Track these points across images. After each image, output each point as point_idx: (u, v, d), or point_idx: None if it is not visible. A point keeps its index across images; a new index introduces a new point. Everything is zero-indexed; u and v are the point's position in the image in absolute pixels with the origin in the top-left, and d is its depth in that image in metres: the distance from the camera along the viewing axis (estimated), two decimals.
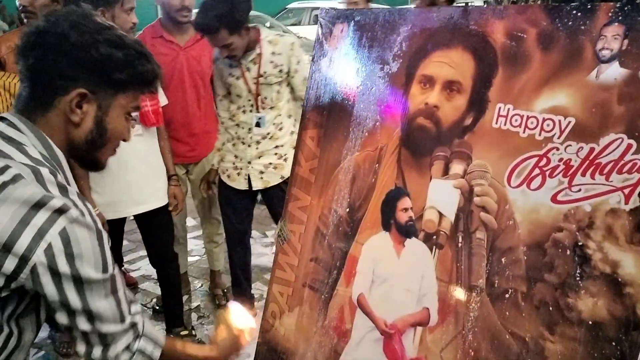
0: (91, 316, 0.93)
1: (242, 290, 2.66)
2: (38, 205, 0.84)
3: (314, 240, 1.56)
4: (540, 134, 1.08)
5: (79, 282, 0.88)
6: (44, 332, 2.61)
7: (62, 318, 0.92)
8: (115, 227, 2.40)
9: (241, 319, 1.34)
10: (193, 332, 2.54)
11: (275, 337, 1.63)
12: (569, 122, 1.04)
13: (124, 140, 1.07)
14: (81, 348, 0.97)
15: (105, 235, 0.92)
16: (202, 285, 2.99)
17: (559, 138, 1.05)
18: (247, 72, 2.22)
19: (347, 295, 1.44)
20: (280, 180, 2.40)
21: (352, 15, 1.51)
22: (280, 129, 2.34)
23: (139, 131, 2.16)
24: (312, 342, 1.51)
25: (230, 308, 1.37)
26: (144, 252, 2.91)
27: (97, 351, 0.97)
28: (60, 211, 0.85)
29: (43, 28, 0.94)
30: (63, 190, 0.89)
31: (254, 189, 2.40)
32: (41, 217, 0.84)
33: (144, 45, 1.03)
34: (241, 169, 2.37)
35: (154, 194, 2.27)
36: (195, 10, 2.27)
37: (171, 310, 2.51)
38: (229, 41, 2.11)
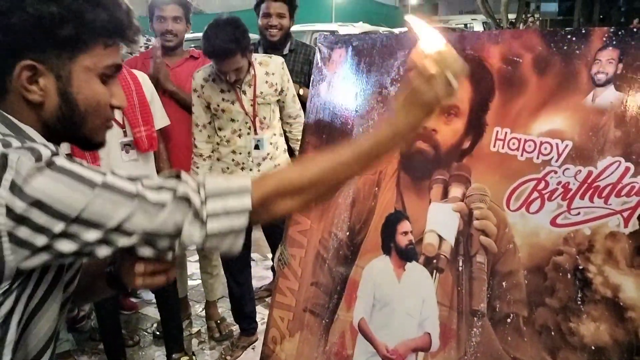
0: (123, 231, 0.76)
1: (245, 316, 2.63)
2: None
3: (314, 264, 1.55)
4: (538, 157, 1.09)
5: (74, 219, 0.73)
6: None
7: (102, 252, 0.77)
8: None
9: (429, 40, 0.85)
10: (194, 358, 2.51)
11: None
12: (567, 145, 1.04)
13: (117, 107, 0.89)
14: (152, 253, 0.80)
15: (65, 159, 0.76)
16: (202, 310, 2.96)
17: (556, 161, 1.06)
18: (243, 95, 2.24)
19: (348, 320, 1.43)
20: None
21: (350, 40, 1.52)
22: (277, 148, 2.35)
23: (134, 156, 2.16)
24: None
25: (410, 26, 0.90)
26: None
27: (176, 245, 0.79)
28: (4, 168, 0.71)
29: None
30: (4, 143, 0.74)
31: None
32: None
33: None
34: None
35: None
36: (190, 35, 2.29)
37: (171, 335, 2.49)
38: (240, 64, 2.14)
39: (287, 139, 2.47)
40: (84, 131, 0.86)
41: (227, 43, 2.06)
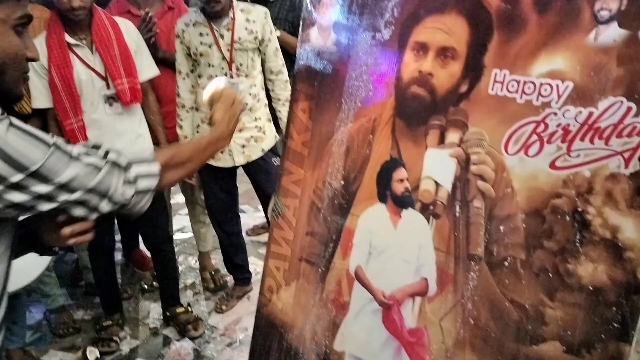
0: (68, 187, 0.87)
1: (237, 266, 2.65)
2: None
3: (309, 214, 1.54)
4: (537, 100, 1.06)
5: (32, 173, 0.82)
6: (39, 313, 2.61)
7: (46, 207, 0.87)
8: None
9: (219, 88, 1.36)
10: (189, 309, 2.54)
11: (273, 311, 1.62)
12: (567, 86, 1.02)
13: (31, 59, 0.93)
14: (84, 213, 0.93)
15: (21, 122, 0.84)
16: (196, 262, 2.98)
17: (556, 103, 1.03)
18: (220, 39, 2.17)
19: (344, 267, 1.43)
20: (262, 154, 2.37)
21: None
22: (258, 101, 2.31)
23: (118, 109, 2.09)
24: (310, 316, 1.51)
25: (206, 91, 1.37)
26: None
27: (103, 205, 0.94)
28: None
29: None
30: None
31: (236, 164, 2.37)
32: None
33: None
34: None
35: None
36: None
37: (167, 289, 2.50)
38: None
39: (270, 100, 2.42)
40: (3, 85, 0.89)
41: None
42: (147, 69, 2.18)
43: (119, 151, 0.98)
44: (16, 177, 0.80)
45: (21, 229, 1.01)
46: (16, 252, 0.99)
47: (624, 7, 0.96)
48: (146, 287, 2.82)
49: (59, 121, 2.07)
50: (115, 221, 2.63)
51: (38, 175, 0.83)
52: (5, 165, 0.79)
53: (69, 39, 2.00)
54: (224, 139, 1.29)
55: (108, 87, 2.06)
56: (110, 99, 2.07)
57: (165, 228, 2.44)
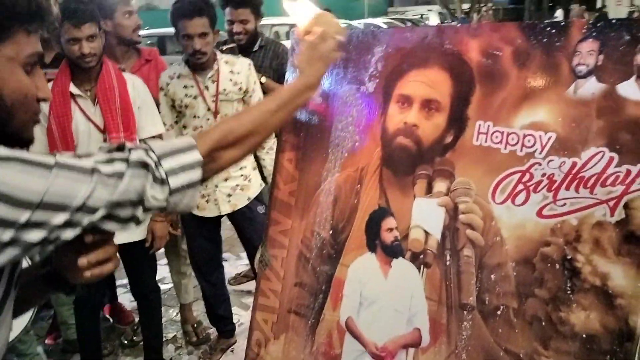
0: (87, 207, 0.75)
1: (220, 318, 2.60)
2: None
3: (297, 264, 1.53)
4: (521, 150, 1.09)
5: (37, 204, 0.71)
6: None
7: (68, 234, 0.75)
8: None
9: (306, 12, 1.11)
10: None
11: None
12: (550, 137, 1.06)
13: (42, 99, 0.85)
14: (118, 227, 0.81)
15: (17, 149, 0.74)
16: (177, 314, 2.91)
17: (540, 153, 1.07)
18: (205, 90, 2.21)
19: (335, 319, 1.41)
20: (247, 202, 2.37)
21: None
22: None
23: None
24: None
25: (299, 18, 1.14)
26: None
27: (139, 213, 0.81)
28: None
29: None
30: None
31: (222, 213, 2.36)
32: None
33: None
34: (209, 195, 2.33)
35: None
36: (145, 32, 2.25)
37: (150, 343, 2.43)
38: (207, 32, 2.12)
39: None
40: (12, 127, 0.81)
41: (196, 3, 2.07)
42: (150, 125, 2.18)
43: (148, 146, 0.84)
44: (24, 216, 0.69)
45: (43, 268, 0.93)
46: (41, 293, 0.91)
47: (600, 63, 1.01)
48: (126, 342, 2.73)
49: None
50: None
51: (47, 206, 0.71)
52: (6, 206, 0.68)
53: (73, 89, 2.02)
54: (310, 89, 1.08)
55: (105, 140, 2.06)
56: None
57: (153, 276, 2.40)
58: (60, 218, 0.73)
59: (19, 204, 0.69)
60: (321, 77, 1.12)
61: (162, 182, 0.82)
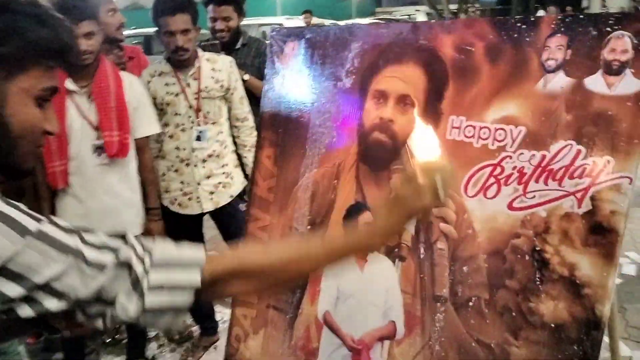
0: (53, 290, 0.69)
1: (203, 315, 2.59)
2: None
3: None
4: (493, 144, 1.11)
5: (2, 270, 0.66)
6: None
7: (27, 312, 0.69)
8: None
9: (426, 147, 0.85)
10: None
11: None
12: (520, 131, 1.07)
13: (48, 133, 0.82)
14: (84, 320, 0.72)
15: (2, 200, 0.71)
16: None
17: (511, 147, 1.08)
18: (187, 88, 2.21)
19: (313, 313, 1.42)
20: (230, 199, 2.37)
21: (302, 33, 1.51)
22: (225, 147, 2.33)
23: (105, 160, 2.07)
24: None
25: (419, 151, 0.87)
26: None
27: (108, 317, 0.72)
28: None
29: None
30: None
31: (204, 211, 2.36)
32: None
33: (43, 7, 0.80)
34: (191, 192, 2.32)
35: (118, 225, 2.18)
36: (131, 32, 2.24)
37: (134, 341, 2.43)
38: (190, 28, 2.12)
39: (237, 149, 2.44)
40: (13, 158, 0.79)
41: None
42: (146, 125, 2.16)
43: (150, 247, 0.76)
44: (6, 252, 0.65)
45: None
46: (21, 331, 0.85)
47: (569, 57, 1.03)
48: (109, 340, 2.71)
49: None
50: None
51: (6, 272, 0.66)
52: None
53: (69, 84, 2.00)
54: (380, 239, 0.87)
55: (98, 137, 2.05)
56: (98, 149, 2.05)
57: None
58: (14, 290, 0.67)
59: None
60: (396, 232, 0.92)
61: (140, 295, 0.73)
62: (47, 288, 0.68)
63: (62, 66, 0.81)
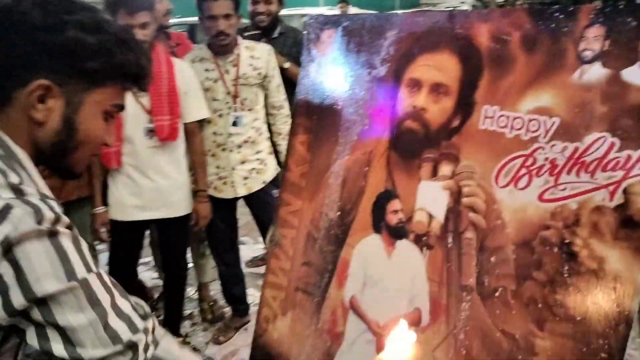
0: (66, 337, 0.73)
1: (235, 297, 2.66)
2: None
3: (305, 244, 1.56)
4: (526, 134, 1.10)
5: (35, 298, 0.71)
6: None
7: (33, 341, 0.74)
8: (133, 233, 2.38)
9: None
10: (187, 340, 2.54)
11: (269, 341, 1.63)
12: (554, 122, 1.06)
13: (106, 145, 0.90)
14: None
15: (71, 236, 0.75)
16: (195, 293, 2.98)
17: (544, 138, 1.07)
18: (225, 74, 2.25)
19: (340, 297, 1.44)
20: (262, 186, 2.42)
21: (339, 20, 1.52)
22: (260, 134, 2.37)
23: (156, 144, 2.16)
24: (305, 345, 1.52)
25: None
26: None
27: None
28: (1, 213, 0.69)
29: (5, 6, 0.78)
30: (16, 190, 0.73)
31: (238, 195, 2.41)
32: None
33: (131, 32, 0.88)
34: (226, 177, 2.38)
35: (168, 205, 2.26)
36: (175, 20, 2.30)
37: (169, 318, 2.52)
38: (231, 13, 2.16)
39: (272, 136, 2.48)
40: (69, 160, 0.86)
41: None
42: (195, 110, 2.24)
43: (157, 336, 0.83)
44: (18, 302, 0.70)
45: None
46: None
47: (607, 48, 1.01)
48: None
49: None
50: None
51: (42, 305, 0.71)
52: (15, 280, 0.69)
53: None
54: None
55: (150, 121, 2.13)
56: (150, 132, 2.14)
57: (185, 254, 2.51)
58: (37, 315, 0.72)
59: (24, 288, 0.70)
60: None
61: None
62: (61, 331, 0.73)
63: (135, 89, 0.89)
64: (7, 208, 0.69)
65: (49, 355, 0.75)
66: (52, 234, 0.72)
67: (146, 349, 0.81)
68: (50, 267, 0.71)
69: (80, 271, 0.74)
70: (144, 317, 0.83)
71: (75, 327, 0.73)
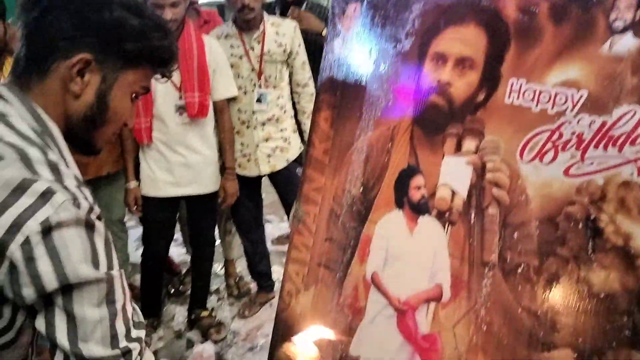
0: (74, 328, 0.75)
1: (260, 273, 2.69)
2: (19, 189, 0.69)
3: (328, 220, 1.57)
4: (552, 108, 1.07)
5: (64, 282, 0.73)
6: None
7: (41, 325, 0.76)
8: (165, 209, 2.41)
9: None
10: (213, 314, 2.59)
11: (292, 315, 1.65)
12: (582, 95, 1.03)
13: (126, 125, 0.93)
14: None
15: (102, 231, 0.77)
16: (221, 269, 3.04)
17: (571, 111, 1.04)
18: (250, 51, 2.25)
19: (361, 273, 1.45)
20: (286, 164, 2.43)
21: None
22: (285, 112, 2.37)
23: (186, 120, 2.19)
24: (327, 320, 1.53)
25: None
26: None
27: None
28: (44, 196, 0.70)
29: None
30: (54, 170, 0.75)
31: (262, 173, 2.43)
32: (21, 203, 0.69)
33: (166, 20, 0.94)
34: (250, 154, 2.39)
35: (198, 181, 2.30)
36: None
37: (196, 293, 2.58)
38: None
39: (296, 115, 2.48)
40: (95, 134, 0.89)
41: None
42: (224, 88, 2.26)
43: (144, 345, 0.84)
44: (52, 286, 0.72)
45: None
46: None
47: (639, 18, 0.97)
48: (172, 291, 2.89)
49: None
50: None
51: (68, 291, 0.74)
52: (51, 265, 0.71)
53: None
54: None
55: (181, 97, 2.16)
56: (180, 109, 2.17)
57: (213, 229, 2.55)
58: (59, 302, 0.74)
59: (59, 273, 0.72)
60: None
61: None
62: (72, 321, 0.75)
63: (162, 72, 0.94)
64: (50, 192, 0.71)
65: (53, 343, 0.77)
66: (88, 225, 0.74)
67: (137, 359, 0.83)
68: (83, 255, 0.73)
69: (107, 266, 0.77)
70: (138, 326, 0.85)
71: (87, 319, 0.75)
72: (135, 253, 2.81)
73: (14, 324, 0.78)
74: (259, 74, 2.26)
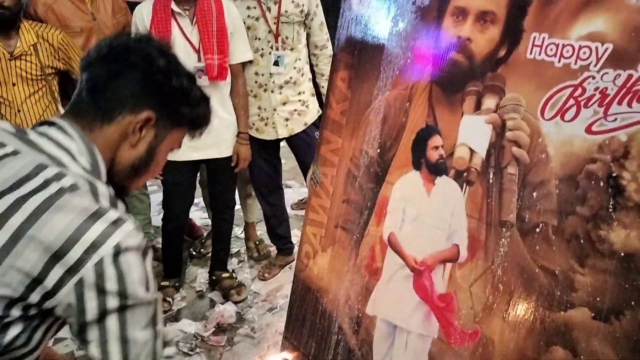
0: (125, 347, 0.84)
1: (279, 236, 2.72)
2: (95, 216, 0.79)
3: (345, 182, 1.56)
4: (576, 63, 1.04)
5: (124, 303, 0.81)
6: None
7: (94, 351, 0.84)
8: (186, 173, 2.42)
9: None
10: (234, 275, 2.63)
11: (310, 276, 1.67)
12: (607, 48, 0.99)
13: (154, 176, 1.07)
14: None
15: (151, 258, 0.87)
16: (242, 232, 3.07)
17: (595, 66, 1.01)
18: (267, 12, 2.21)
19: (378, 234, 1.45)
20: (304, 127, 2.41)
21: None
22: (302, 75, 2.34)
23: (205, 82, 2.18)
24: (344, 281, 1.54)
25: None
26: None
27: None
28: (116, 223, 0.80)
29: (130, 44, 0.93)
30: (114, 205, 0.86)
31: (279, 137, 2.42)
32: (97, 229, 0.78)
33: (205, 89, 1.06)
34: (267, 118, 2.38)
35: (218, 144, 2.31)
36: None
37: (217, 255, 2.62)
38: None
39: (314, 78, 2.44)
40: (133, 182, 0.99)
41: None
42: (240, 52, 2.25)
43: None
44: (113, 303, 0.81)
45: None
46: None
47: None
48: (194, 253, 2.94)
49: None
50: None
51: (124, 310, 0.82)
52: (115, 285, 0.80)
53: (174, 6, 2.10)
54: None
55: (199, 59, 2.15)
56: (199, 72, 2.17)
57: (233, 193, 2.57)
58: (113, 306, 0.82)
59: (122, 293, 0.81)
60: None
61: None
62: (123, 340, 0.84)
63: (193, 134, 1.05)
64: (121, 220, 0.81)
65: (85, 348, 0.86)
66: (144, 253, 0.84)
67: None
68: (141, 278, 0.83)
69: (154, 289, 0.87)
70: (167, 344, 0.99)
71: (138, 341, 0.85)
72: (157, 217, 2.85)
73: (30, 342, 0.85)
74: (276, 36, 2.23)
